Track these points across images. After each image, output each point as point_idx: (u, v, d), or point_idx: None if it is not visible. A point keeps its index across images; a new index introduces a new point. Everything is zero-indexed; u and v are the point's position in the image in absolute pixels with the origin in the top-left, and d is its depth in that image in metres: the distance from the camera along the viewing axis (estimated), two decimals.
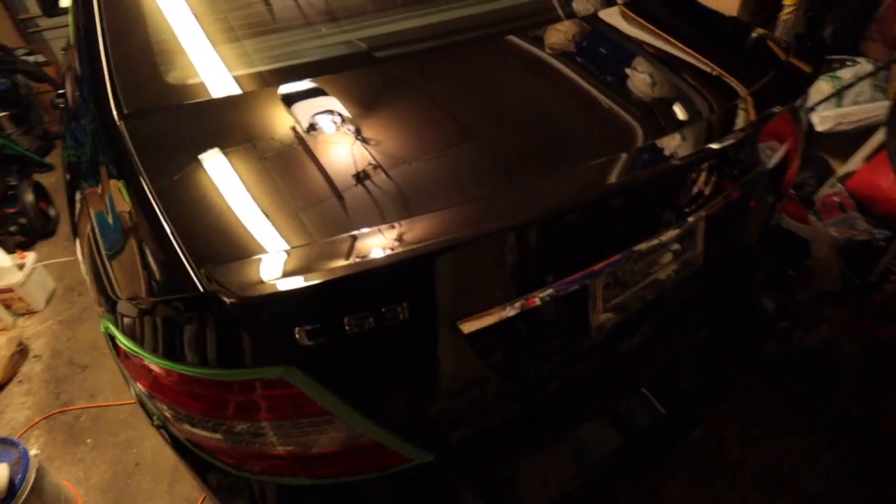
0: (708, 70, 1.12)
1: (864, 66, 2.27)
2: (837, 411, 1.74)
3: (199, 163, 0.81)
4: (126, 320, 0.76)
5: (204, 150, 0.84)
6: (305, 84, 1.00)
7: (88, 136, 1.03)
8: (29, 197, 2.75)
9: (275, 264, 0.65)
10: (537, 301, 0.83)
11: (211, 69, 1.01)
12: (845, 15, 2.52)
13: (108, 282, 0.79)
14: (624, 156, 0.84)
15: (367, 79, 1.02)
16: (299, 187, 0.78)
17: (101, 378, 2.08)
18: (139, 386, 0.83)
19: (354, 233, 0.69)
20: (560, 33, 1.21)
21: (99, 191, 0.91)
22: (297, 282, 0.63)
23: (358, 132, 0.88)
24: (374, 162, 0.82)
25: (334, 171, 0.80)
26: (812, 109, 2.27)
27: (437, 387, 0.82)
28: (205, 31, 1.09)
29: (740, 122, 0.96)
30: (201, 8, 1.13)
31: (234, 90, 0.98)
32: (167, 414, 0.82)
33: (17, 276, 2.26)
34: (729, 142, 0.90)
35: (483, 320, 0.79)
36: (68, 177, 1.19)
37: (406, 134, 0.90)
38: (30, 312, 2.38)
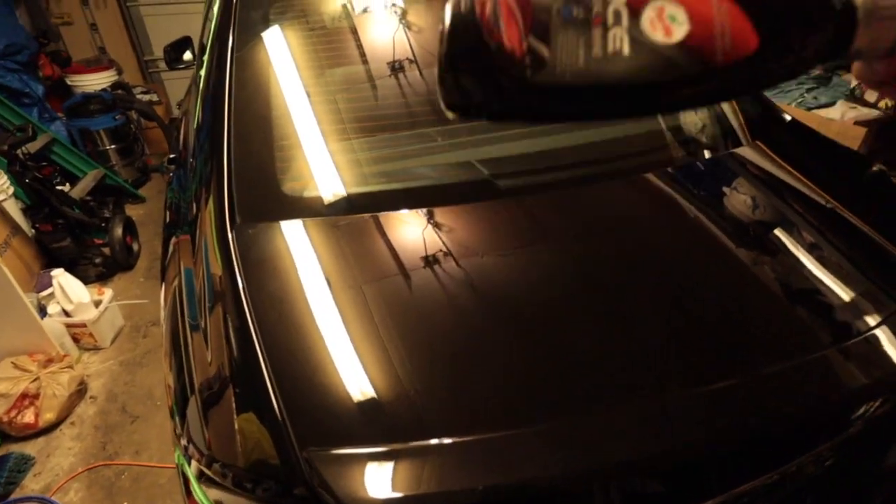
0: None
1: None
2: None
3: (313, 307, 0.74)
4: (203, 473, 0.67)
5: (321, 288, 0.76)
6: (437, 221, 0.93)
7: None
8: (118, 231, 2.86)
9: (393, 466, 0.54)
10: None
11: (327, 181, 0.97)
12: None
13: (187, 379, 0.72)
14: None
15: (496, 216, 0.94)
16: (433, 356, 0.68)
17: (150, 433, 2.03)
18: None
19: (500, 434, 0.58)
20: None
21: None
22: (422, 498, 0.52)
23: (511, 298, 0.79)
24: (535, 345, 0.72)
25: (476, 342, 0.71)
26: None
27: None
28: (324, 136, 1.05)
29: None
30: (323, 110, 1.10)
31: (345, 209, 0.93)
32: None
33: (93, 313, 2.30)
34: None
35: None
36: (168, 218, 1.23)
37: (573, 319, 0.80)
38: (96, 348, 2.40)
